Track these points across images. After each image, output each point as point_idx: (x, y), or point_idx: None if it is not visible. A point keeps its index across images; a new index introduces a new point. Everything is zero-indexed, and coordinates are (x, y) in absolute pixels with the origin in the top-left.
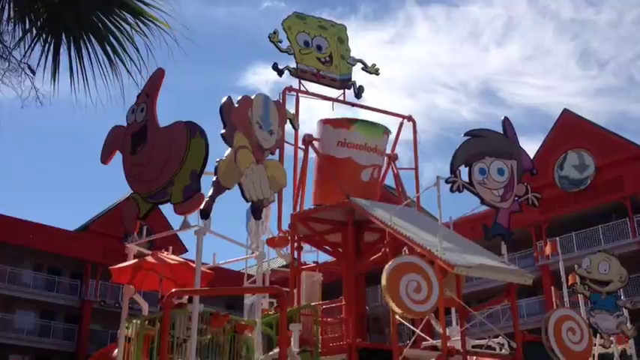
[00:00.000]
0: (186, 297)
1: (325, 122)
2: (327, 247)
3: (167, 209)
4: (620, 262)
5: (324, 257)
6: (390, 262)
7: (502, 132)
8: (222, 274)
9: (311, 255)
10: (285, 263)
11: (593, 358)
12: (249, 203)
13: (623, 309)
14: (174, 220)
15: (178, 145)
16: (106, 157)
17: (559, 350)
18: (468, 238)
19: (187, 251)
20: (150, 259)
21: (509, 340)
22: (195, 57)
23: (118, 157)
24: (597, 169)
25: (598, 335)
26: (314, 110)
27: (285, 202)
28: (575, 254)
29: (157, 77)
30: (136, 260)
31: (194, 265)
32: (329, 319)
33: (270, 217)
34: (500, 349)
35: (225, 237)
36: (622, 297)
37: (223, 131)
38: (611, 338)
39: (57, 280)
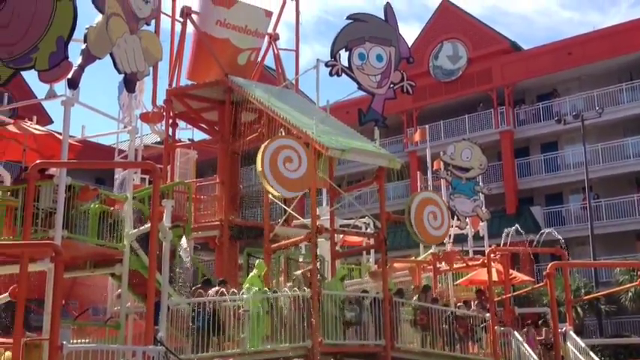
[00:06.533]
0: (54, 170)
1: None
2: (203, 125)
3: (31, 77)
4: (482, 150)
5: (199, 135)
6: (265, 143)
7: (383, 18)
8: (92, 149)
9: (186, 132)
10: (159, 139)
11: (450, 237)
12: (122, 75)
13: (480, 194)
14: (39, 88)
15: (43, 7)
16: None
17: (418, 230)
18: (343, 123)
19: (53, 122)
20: (12, 128)
21: (374, 220)
22: None
23: None
24: (469, 60)
25: (455, 217)
26: None
27: (161, 77)
28: (442, 142)
29: None
30: None
31: (60, 137)
32: (202, 197)
33: (145, 91)
34: (366, 228)
35: (95, 109)
36: (480, 183)
37: None
38: (467, 220)
39: None
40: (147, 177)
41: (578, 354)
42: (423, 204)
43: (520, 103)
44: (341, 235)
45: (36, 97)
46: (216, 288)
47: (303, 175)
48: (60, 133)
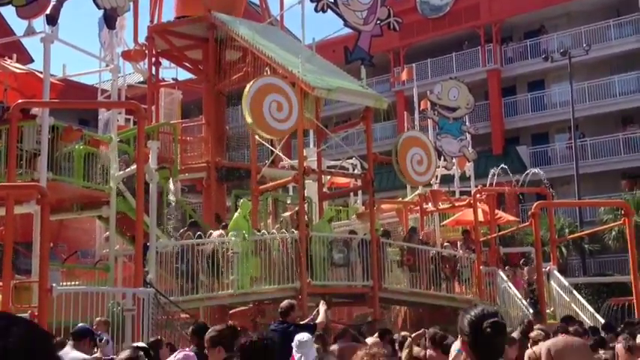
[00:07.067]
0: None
1: None
2: (187, 64)
3: (9, 12)
4: (469, 89)
5: (183, 75)
6: (252, 82)
7: None
8: (74, 88)
9: (170, 71)
10: (142, 79)
11: (436, 178)
12: (102, 11)
13: (467, 134)
14: (18, 25)
15: None
16: None
17: (403, 173)
18: (329, 61)
19: (33, 61)
20: None
21: (361, 161)
22: None
23: None
24: None
25: (442, 157)
26: None
27: (142, 13)
28: (429, 81)
29: None
30: None
31: (42, 76)
32: (188, 138)
33: (126, 27)
34: (354, 170)
35: (75, 46)
36: (467, 123)
37: None
38: (454, 161)
39: None
40: (131, 117)
41: (561, 292)
42: (407, 144)
43: (507, 40)
44: (328, 177)
45: (14, 34)
46: (220, 231)
47: (294, 125)
48: (41, 72)
